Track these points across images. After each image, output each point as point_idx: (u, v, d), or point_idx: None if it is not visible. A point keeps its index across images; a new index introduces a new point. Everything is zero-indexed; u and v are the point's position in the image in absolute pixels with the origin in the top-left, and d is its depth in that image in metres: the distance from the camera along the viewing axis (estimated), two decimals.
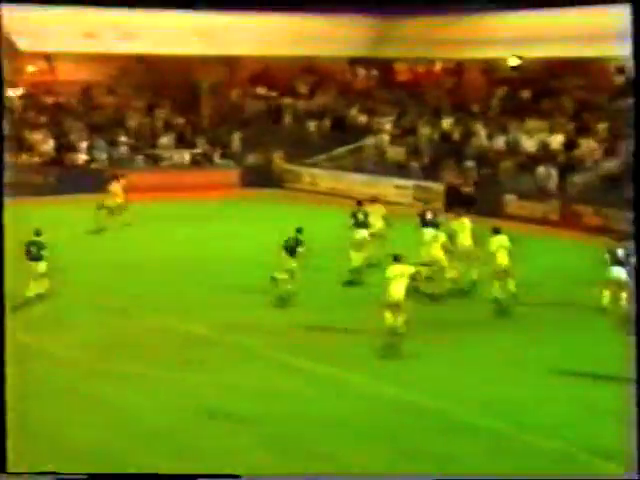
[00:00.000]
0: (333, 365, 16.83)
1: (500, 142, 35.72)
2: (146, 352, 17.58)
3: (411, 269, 17.87)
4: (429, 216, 23.14)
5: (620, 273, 19.25)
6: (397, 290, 17.48)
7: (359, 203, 24.65)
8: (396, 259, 17.92)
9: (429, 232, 22.26)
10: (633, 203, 11.35)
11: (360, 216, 23.76)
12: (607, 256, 19.57)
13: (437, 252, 21.47)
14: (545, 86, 37.81)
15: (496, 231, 20.76)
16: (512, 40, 36.96)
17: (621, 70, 36.73)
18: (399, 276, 17.56)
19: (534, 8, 35.41)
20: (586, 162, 32.67)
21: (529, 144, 34.85)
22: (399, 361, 17.13)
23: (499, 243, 20.46)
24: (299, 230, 21.16)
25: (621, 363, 16.02)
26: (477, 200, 31.83)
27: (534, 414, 14.73)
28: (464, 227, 22.20)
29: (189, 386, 15.94)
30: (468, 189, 33.39)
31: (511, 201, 32.33)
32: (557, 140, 34.14)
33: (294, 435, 13.98)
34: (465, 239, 22.00)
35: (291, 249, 20.98)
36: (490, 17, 38.18)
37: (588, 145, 33.28)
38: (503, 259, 20.25)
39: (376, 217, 24.35)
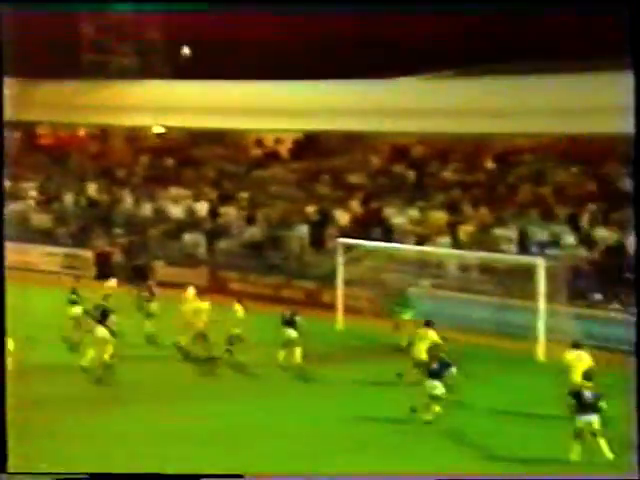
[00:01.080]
0: None
1: (147, 209, 36.77)
2: None
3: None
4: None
5: (291, 333, 22.95)
6: None
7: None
8: None
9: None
10: (633, 203, 12.81)
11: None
12: (282, 320, 23.19)
13: (200, 323, 23.67)
14: (187, 155, 39.45)
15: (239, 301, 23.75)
16: (156, 108, 38.05)
17: (259, 143, 39.21)
18: None
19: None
20: (230, 229, 34.52)
21: (176, 211, 36.19)
22: None
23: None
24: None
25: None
26: (150, 270, 32.61)
27: None
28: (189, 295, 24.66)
29: None
30: (141, 261, 33.91)
31: (160, 267, 33.34)
32: (202, 208, 35.78)
33: None
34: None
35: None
36: (134, 84, 39.11)
37: (230, 213, 35.19)
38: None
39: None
